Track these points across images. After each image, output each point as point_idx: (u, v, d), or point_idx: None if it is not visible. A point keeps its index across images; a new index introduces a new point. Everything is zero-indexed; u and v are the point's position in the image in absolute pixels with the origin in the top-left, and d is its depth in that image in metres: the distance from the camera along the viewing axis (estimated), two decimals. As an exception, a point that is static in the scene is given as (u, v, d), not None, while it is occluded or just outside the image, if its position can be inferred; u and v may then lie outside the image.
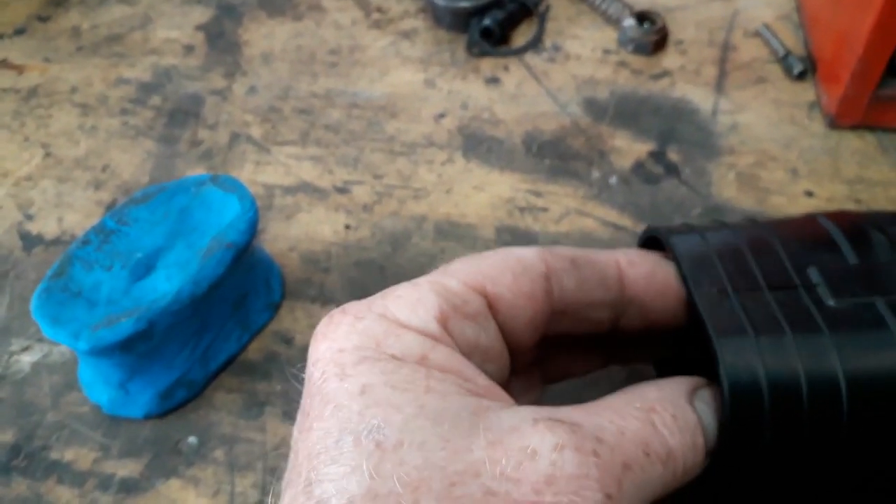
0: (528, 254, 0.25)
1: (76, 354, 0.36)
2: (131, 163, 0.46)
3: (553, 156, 0.44)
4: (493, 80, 0.49)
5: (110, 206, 0.44)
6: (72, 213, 0.44)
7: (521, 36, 0.51)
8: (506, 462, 0.19)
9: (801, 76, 0.47)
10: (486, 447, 0.20)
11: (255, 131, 0.47)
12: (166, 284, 0.33)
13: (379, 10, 0.54)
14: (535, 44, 0.50)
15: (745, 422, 0.23)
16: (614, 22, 0.51)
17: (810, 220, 0.30)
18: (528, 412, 0.21)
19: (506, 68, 0.49)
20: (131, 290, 0.33)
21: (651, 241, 0.30)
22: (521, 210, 0.42)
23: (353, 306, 0.23)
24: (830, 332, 0.24)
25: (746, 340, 0.24)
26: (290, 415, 0.35)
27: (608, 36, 0.51)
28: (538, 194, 0.42)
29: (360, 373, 0.21)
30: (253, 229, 0.34)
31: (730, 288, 0.26)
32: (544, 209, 0.42)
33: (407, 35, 0.52)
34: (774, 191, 0.42)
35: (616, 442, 0.21)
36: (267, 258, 0.39)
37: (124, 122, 0.48)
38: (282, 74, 0.50)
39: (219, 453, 0.34)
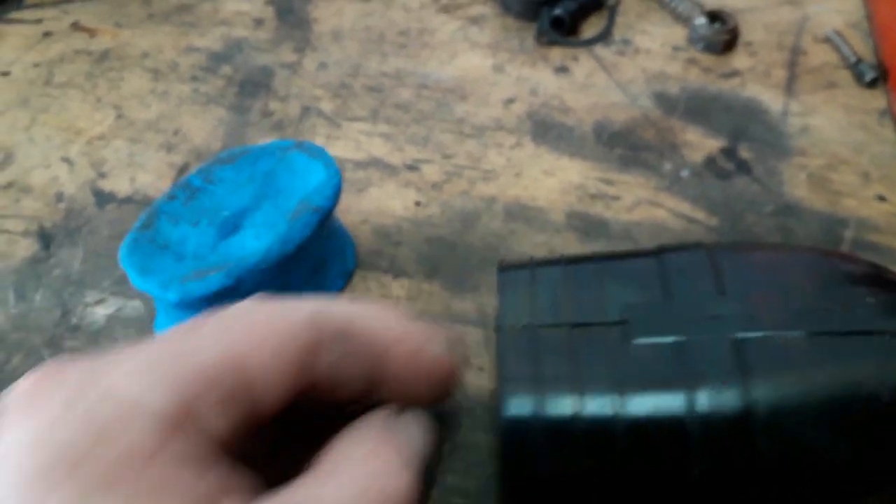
0: (296, 317, 0.20)
1: (152, 309, 0.37)
2: (203, 128, 0.46)
3: (624, 146, 0.44)
4: (563, 70, 0.49)
5: (183, 169, 0.44)
6: (144, 173, 0.44)
7: (590, 28, 0.51)
8: None
9: (872, 83, 0.47)
10: None
11: (326, 106, 0.47)
12: (255, 243, 0.33)
13: (449, -5, 0.54)
14: (605, 36, 0.51)
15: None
16: (683, 20, 0.51)
17: (650, 252, 0.29)
18: None
19: (575, 58, 0.50)
20: (218, 247, 0.33)
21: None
22: (592, 197, 0.42)
23: (73, 373, 0.18)
24: (627, 374, 0.25)
25: (533, 388, 0.25)
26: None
27: (677, 33, 0.51)
28: (609, 182, 0.43)
29: (71, 488, 0.17)
30: (337, 195, 0.35)
31: (536, 322, 0.26)
32: (616, 197, 0.42)
33: (475, 21, 0.52)
34: (846, 193, 0.42)
35: None
36: (342, 228, 0.39)
37: (195, 88, 0.49)
38: (351, 52, 0.50)
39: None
